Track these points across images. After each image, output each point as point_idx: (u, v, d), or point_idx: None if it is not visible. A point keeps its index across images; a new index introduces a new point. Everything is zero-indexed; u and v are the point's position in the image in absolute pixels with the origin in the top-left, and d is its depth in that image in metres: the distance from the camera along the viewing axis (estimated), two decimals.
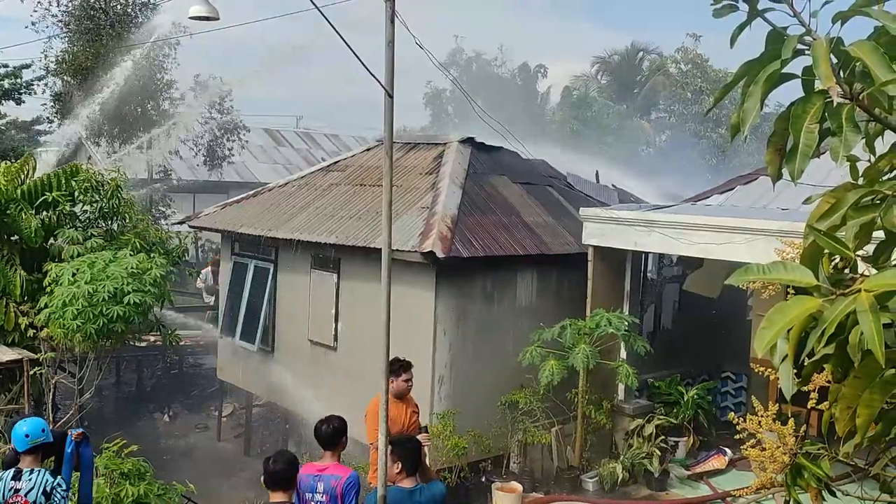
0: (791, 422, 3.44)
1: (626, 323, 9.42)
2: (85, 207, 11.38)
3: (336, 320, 10.91)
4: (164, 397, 16.33)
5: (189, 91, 21.42)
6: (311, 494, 5.43)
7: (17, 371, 9.93)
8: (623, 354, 10.08)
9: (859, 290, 1.42)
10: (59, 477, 5.29)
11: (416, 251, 9.19)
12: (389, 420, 6.11)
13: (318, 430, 5.65)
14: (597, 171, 14.79)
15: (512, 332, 10.30)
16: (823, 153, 2.50)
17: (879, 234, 1.94)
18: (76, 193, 11.17)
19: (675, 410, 10.14)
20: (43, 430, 5.38)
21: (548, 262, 10.58)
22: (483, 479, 9.24)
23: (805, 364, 1.88)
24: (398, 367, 6.88)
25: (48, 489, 5.13)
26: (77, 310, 9.22)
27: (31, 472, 5.19)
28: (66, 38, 20.31)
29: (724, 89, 1.96)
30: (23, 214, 10.71)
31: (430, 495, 5.15)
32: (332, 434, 5.57)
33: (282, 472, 5.05)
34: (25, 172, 11.41)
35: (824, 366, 1.81)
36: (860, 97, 1.77)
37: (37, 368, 9.98)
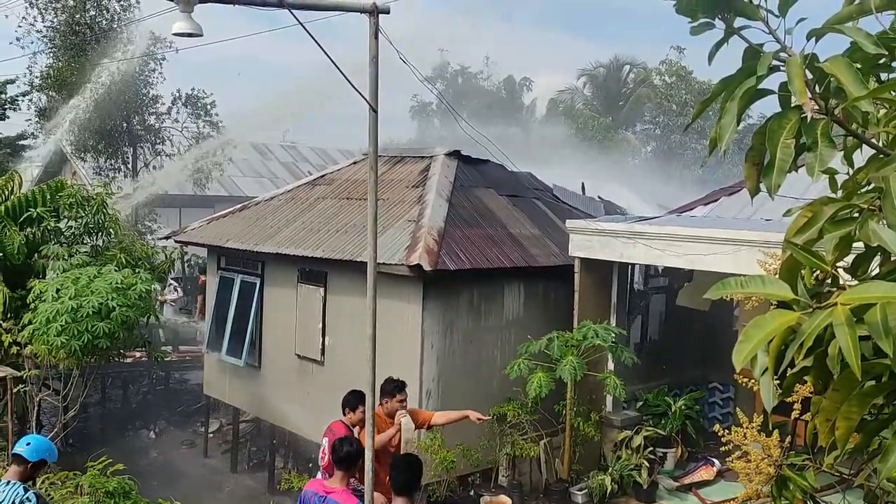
0: (776, 433, 3.46)
1: (614, 334, 9.44)
2: (70, 223, 11.32)
3: (323, 334, 10.87)
4: (150, 414, 16.17)
5: (174, 105, 21.36)
6: None
7: (1, 389, 9.82)
8: (611, 366, 10.10)
9: (836, 304, 1.43)
10: (30, 491, 5.26)
11: (402, 264, 9.19)
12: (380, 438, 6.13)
13: (335, 447, 5.52)
14: (583, 184, 14.87)
15: (499, 344, 10.30)
16: (801, 167, 2.54)
17: (860, 246, 1.97)
18: (61, 209, 11.11)
19: (663, 422, 10.16)
20: (28, 444, 5.47)
21: (535, 274, 10.61)
22: (472, 493, 9.21)
23: (787, 376, 1.90)
24: (392, 388, 6.87)
25: (17, 501, 5.12)
26: (61, 326, 9.16)
27: (7, 483, 5.23)
28: (51, 54, 20.24)
29: (702, 105, 1.98)
30: (6, 231, 10.63)
31: None
32: (348, 456, 5.41)
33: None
34: (9, 188, 11.33)
35: (805, 377, 1.83)
36: (835, 112, 1.80)
37: (21, 386, 9.88)
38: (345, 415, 7.13)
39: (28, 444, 5.48)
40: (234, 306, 12.46)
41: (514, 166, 11.80)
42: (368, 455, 5.24)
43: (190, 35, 4.55)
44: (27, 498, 5.19)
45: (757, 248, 7.37)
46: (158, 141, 21.86)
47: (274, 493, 11.72)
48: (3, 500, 5.15)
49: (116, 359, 12.23)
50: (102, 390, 16.42)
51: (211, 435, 14.71)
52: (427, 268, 9.03)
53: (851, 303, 1.41)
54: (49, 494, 6.97)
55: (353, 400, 7.05)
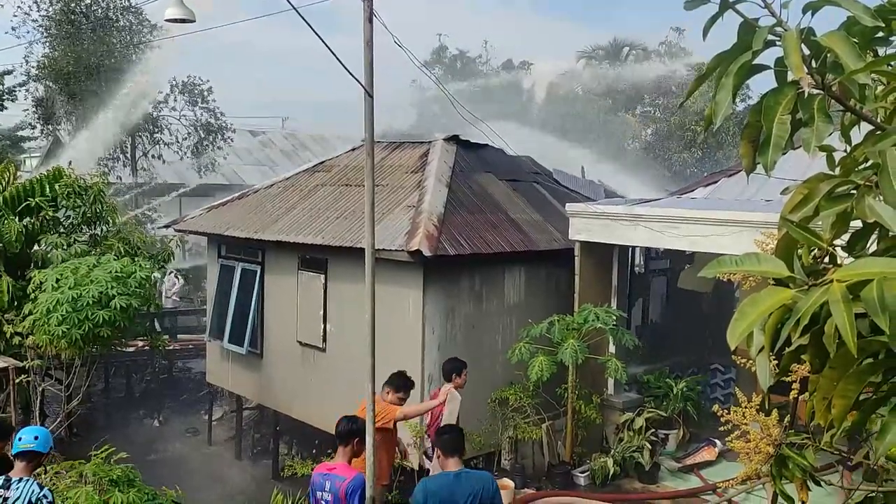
0: (775, 412, 3.46)
1: (614, 317, 9.44)
2: (68, 212, 11.29)
3: (324, 321, 10.88)
4: (153, 402, 16.24)
5: (171, 93, 21.28)
6: (320, 493, 5.58)
7: (4, 379, 9.84)
8: (612, 349, 10.11)
9: (832, 281, 1.41)
10: (45, 488, 5.25)
11: (402, 250, 9.17)
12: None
13: (337, 423, 5.83)
14: (582, 167, 14.83)
15: (500, 329, 10.31)
16: (798, 147, 2.51)
17: (857, 224, 1.95)
18: (59, 199, 11.08)
19: (664, 403, 10.19)
20: (36, 438, 5.42)
21: (535, 258, 10.59)
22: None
23: (784, 355, 1.89)
24: (403, 383, 6.94)
25: (33, 499, 5.10)
26: (62, 315, 9.16)
27: (20, 480, 5.17)
28: (47, 43, 20.15)
29: (697, 81, 1.95)
30: (4, 220, 10.61)
31: (476, 478, 5.28)
32: (346, 432, 5.71)
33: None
34: (7, 178, 11.30)
35: (802, 356, 1.82)
36: (832, 87, 1.77)
37: (23, 376, 9.90)
38: (450, 380, 7.67)
39: (36, 437, 5.41)
40: (235, 294, 12.46)
41: (513, 150, 11.74)
42: (369, 440, 5.25)
43: (182, 21, 4.51)
44: (43, 495, 5.16)
45: (757, 229, 7.34)
46: (156, 129, 21.80)
47: (278, 479, 11.78)
48: (18, 499, 5.11)
49: (118, 348, 12.25)
50: (105, 379, 16.49)
51: (214, 423, 14.78)
52: (427, 253, 9.01)
53: (848, 279, 1.39)
54: (54, 484, 7.00)
55: (458, 365, 7.78)
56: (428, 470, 7.95)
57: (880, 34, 1.92)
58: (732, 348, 1.52)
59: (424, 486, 5.28)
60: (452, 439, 5.46)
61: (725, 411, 3.69)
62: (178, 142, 22.20)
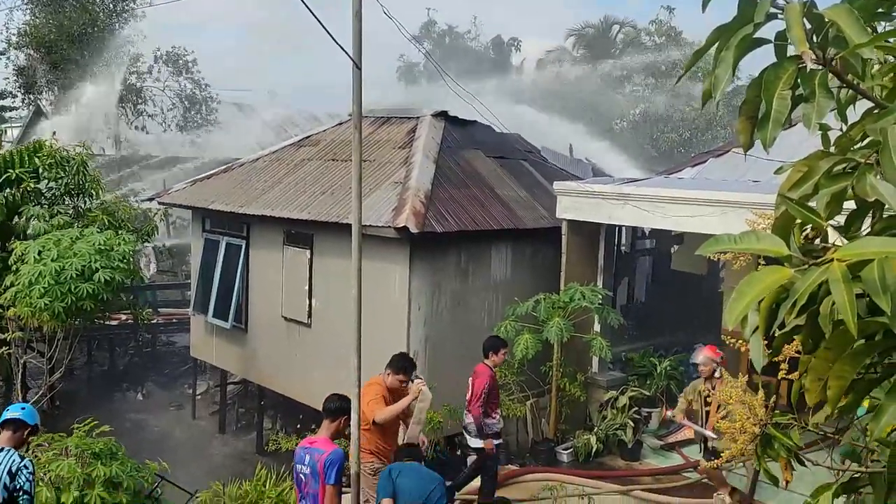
0: (761, 392, 3.46)
1: (600, 296, 9.46)
2: (50, 184, 11.13)
3: (310, 296, 10.82)
4: (137, 376, 16.18)
5: (155, 64, 20.94)
6: (300, 466, 5.60)
7: None
8: (597, 327, 10.14)
9: (832, 260, 1.38)
10: (26, 458, 5.21)
11: (389, 226, 9.11)
12: (383, 399, 6.21)
13: (329, 399, 5.81)
14: (570, 145, 14.78)
15: (486, 306, 10.31)
16: (795, 124, 2.47)
17: (850, 205, 1.92)
18: (40, 170, 10.91)
19: (648, 382, 10.25)
20: (23, 409, 5.45)
21: (522, 236, 10.57)
22: (459, 453, 9.27)
23: (776, 336, 1.87)
24: (406, 365, 6.68)
25: (13, 469, 5.06)
26: (44, 288, 9.06)
27: (1, 450, 5.13)
28: (29, 10, 19.74)
29: (696, 55, 1.90)
30: None
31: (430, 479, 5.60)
32: (336, 409, 5.69)
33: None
34: None
35: (794, 337, 1.80)
36: (833, 63, 1.73)
37: (4, 348, 9.81)
38: (487, 357, 7.66)
39: (23, 408, 5.44)
40: (219, 269, 12.37)
41: (503, 127, 11.66)
42: (354, 418, 5.24)
43: None
44: (24, 465, 5.12)
45: (745, 209, 7.34)
46: (140, 101, 21.48)
47: (262, 454, 11.79)
48: None
49: (101, 321, 12.15)
50: (88, 352, 16.39)
51: (199, 397, 14.74)
52: (414, 230, 8.96)
53: (848, 259, 1.36)
54: (36, 456, 6.95)
55: (497, 343, 7.79)
56: (467, 446, 7.93)
57: (881, 9, 1.88)
58: (730, 328, 1.49)
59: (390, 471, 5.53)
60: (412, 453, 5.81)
61: (712, 390, 3.69)
62: (163, 113, 21.91)
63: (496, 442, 7.81)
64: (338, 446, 5.63)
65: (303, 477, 5.54)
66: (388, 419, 6.25)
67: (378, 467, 6.26)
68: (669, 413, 8.00)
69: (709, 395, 7.33)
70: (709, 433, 7.38)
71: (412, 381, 6.51)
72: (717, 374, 7.47)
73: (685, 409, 7.72)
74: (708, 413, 7.43)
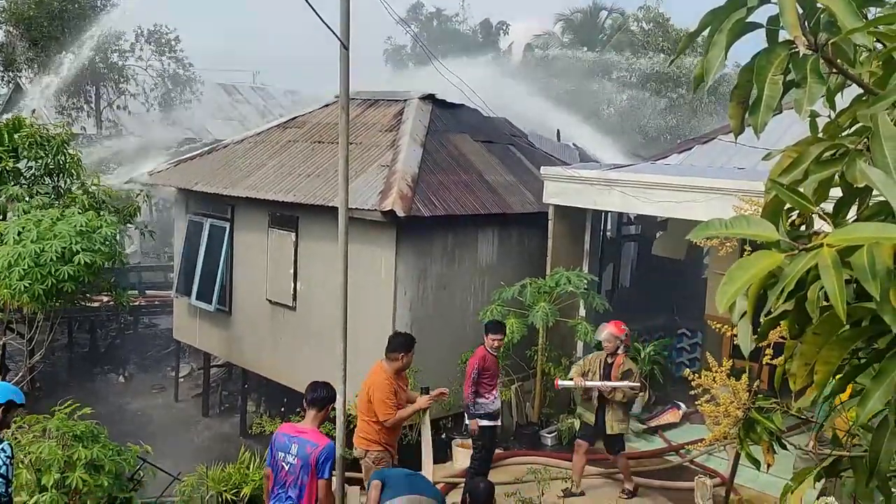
0: (745, 377, 3.50)
1: (585, 281, 9.49)
2: (30, 164, 10.96)
3: (295, 280, 10.78)
4: (118, 358, 16.08)
5: (137, 42, 20.62)
6: (283, 454, 5.38)
7: None
8: (582, 312, 10.19)
9: (821, 245, 1.38)
10: (4, 441, 5.15)
11: (376, 210, 9.07)
12: (399, 393, 6.25)
13: (314, 388, 5.57)
14: (558, 130, 14.76)
15: (473, 290, 10.31)
16: (786, 110, 2.47)
17: (836, 193, 1.93)
18: (20, 149, 10.73)
19: None
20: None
21: (509, 221, 10.57)
22: (443, 437, 9.31)
23: (762, 321, 1.87)
24: (411, 344, 6.69)
25: None
26: (23, 270, 8.95)
27: None
28: None
29: (689, 38, 1.89)
30: None
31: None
32: (323, 398, 5.49)
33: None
34: None
35: (779, 322, 1.80)
36: (825, 48, 1.73)
37: None
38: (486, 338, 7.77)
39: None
40: (203, 251, 12.27)
41: (491, 111, 11.62)
42: (340, 399, 5.23)
43: None
44: (1, 449, 5.07)
45: (731, 196, 7.38)
46: (122, 79, 21.18)
47: (246, 436, 11.78)
48: None
49: (82, 303, 12.04)
50: (69, 334, 16.25)
51: (182, 379, 14.68)
52: (400, 213, 8.93)
53: (838, 244, 1.36)
54: (16, 438, 6.89)
55: (491, 326, 7.92)
56: (466, 426, 8.07)
57: None
58: (720, 312, 1.49)
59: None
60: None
61: (696, 375, 3.72)
62: (145, 93, 21.62)
63: (491, 423, 7.84)
64: (329, 440, 5.50)
65: (286, 466, 5.34)
66: (394, 423, 6.34)
67: (383, 457, 6.29)
68: (561, 383, 8.01)
69: (611, 369, 7.63)
70: (607, 383, 7.59)
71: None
72: (619, 351, 7.76)
73: (580, 373, 7.86)
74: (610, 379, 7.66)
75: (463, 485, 7.65)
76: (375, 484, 5.27)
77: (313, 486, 5.28)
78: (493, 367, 7.90)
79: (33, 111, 12.72)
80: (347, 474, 6.81)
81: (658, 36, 31.03)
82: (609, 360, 7.79)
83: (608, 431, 7.84)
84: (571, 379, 7.85)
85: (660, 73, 27.19)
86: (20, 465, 6.45)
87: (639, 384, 7.92)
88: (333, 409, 5.68)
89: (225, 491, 7.44)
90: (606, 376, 7.71)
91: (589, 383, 7.71)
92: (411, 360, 6.71)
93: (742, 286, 1.39)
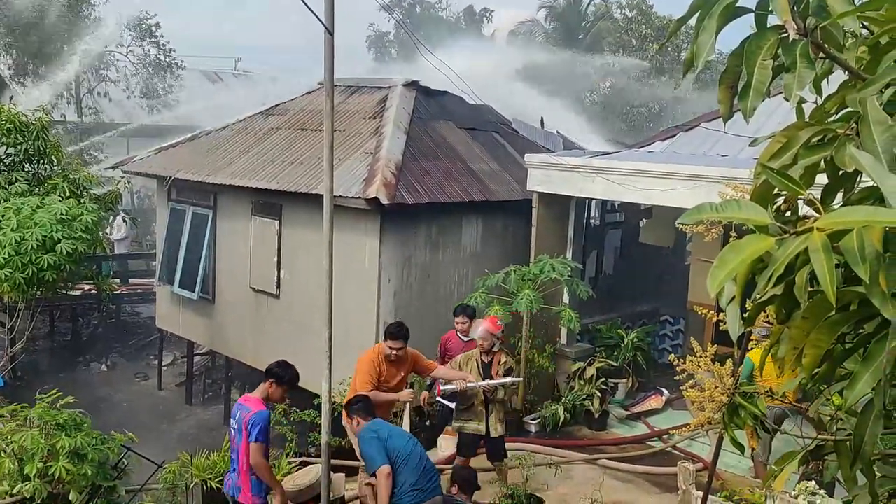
0: (729, 362, 3.53)
1: (569, 268, 9.52)
2: (8, 150, 10.80)
3: (279, 268, 10.72)
4: (101, 347, 15.94)
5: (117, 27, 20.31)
6: (232, 420, 5.95)
7: None
8: (566, 299, 10.23)
9: (811, 230, 1.39)
10: None
11: (359, 197, 9.04)
12: (384, 376, 6.37)
13: (276, 363, 6.00)
14: (542, 118, 14.75)
15: (457, 278, 10.32)
16: (774, 96, 2.47)
17: (822, 180, 1.94)
18: None
19: (615, 353, 10.40)
20: None
21: (493, 208, 10.57)
22: (427, 424, 9.33)
23: (748, 307, 1.88)
24: (406, 333, 7.01)
25: None
26: (4, 259, 8.83)
27: None
28: None
29: (679, 22, 1.88)
30: None
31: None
32: (271, 371, 5.93)
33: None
34: None
35: (765, 308, 1.82)
36: (814, 33, 1.73)
37: None
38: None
39: None
40: (186, 239, 12.17)
41: (476, 98, 11.57)
42: (324, 386, 5.22)
43: None
44: None
45: (714, 183, 7.42)
46: (102, 66, 20.88)
47: (230, 425, 11.74)
48: None
49: (64, 291, 11.91)
50: (51, 323, 16.09)
51: (165, 368, 14.60)
52: (385, 201, 8.90)
53: (829, 228, 1.37)
54: None
55: (461, 309, 8.21)
56: (433, 404, 8.27)
57: None
58: (712, 295, 1.49)
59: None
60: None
61: (681, 360, 3.75)
62: (126, 79, 21.34)
63: (446, 401, 7.78)
64: (265, 407, 5.84)
65: (232, 431, 5.90)
66: (375, 401, 6.44)
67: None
68: (444, 388, 7.20)
69: (490, 367, 7.21)
70: (491, 382, 7.10)
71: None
72: (495, 349, 7.33)
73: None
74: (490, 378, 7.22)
75: (450, 472, 7.68)
76: (385, 471, 5.36)
77: (247, 450, 5.68)
78: (455, 351, 7.94)
79: (11, 98, 12.50)
80: (333, 461, 6.82)
81: (641, 23, 31.04)
82: (486, 359, 7.30)
83: (492, 434, 7.29)
84: (452, 382, 7.16)
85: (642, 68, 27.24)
86: (2, 455, 6.40)
87: (520, 379, 7.73)
88: (278, 388, 5.86)
89: (210, 479, 7.40)
90: (487, 375, 7.21)
91: (474, 384, 7.10)
92: (404, 354, 7.03)
93: (733, 270, 1.40)
